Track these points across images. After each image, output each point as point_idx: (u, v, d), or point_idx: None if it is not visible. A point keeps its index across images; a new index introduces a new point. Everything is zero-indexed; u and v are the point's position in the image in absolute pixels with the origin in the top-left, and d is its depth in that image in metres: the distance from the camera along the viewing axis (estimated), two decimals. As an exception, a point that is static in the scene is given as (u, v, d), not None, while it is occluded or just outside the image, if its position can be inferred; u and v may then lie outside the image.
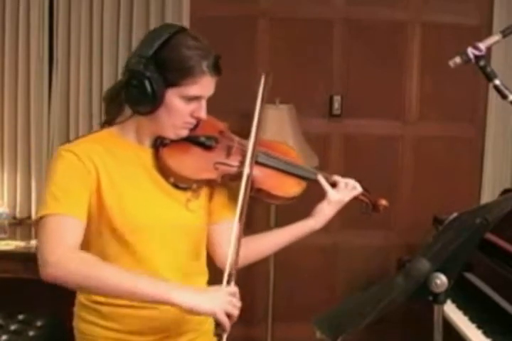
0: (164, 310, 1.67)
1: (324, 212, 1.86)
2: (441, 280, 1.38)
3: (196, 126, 1.72)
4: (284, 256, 3.62)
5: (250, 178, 1.72)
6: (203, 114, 1.67)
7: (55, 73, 3.58)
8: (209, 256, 1.85)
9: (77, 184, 1.60)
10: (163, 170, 1.70)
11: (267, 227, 3.39)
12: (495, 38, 1.58)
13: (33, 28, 3.53)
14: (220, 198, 1.81)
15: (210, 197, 1.80)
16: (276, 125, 3.31)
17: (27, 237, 3.36)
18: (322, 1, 3.69)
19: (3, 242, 3.24)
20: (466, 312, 2.60)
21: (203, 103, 1.67)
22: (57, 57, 3.57)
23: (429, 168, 3.77)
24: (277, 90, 3.67)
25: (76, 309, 1.77)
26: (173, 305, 1.50)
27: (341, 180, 1.88)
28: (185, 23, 3.51)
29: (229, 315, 1.52)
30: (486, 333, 2.40)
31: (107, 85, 3.53)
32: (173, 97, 1.62)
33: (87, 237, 1.66)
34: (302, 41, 3.68)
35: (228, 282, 1.60)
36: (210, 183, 1.75)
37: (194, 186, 1.73)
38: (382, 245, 3.80)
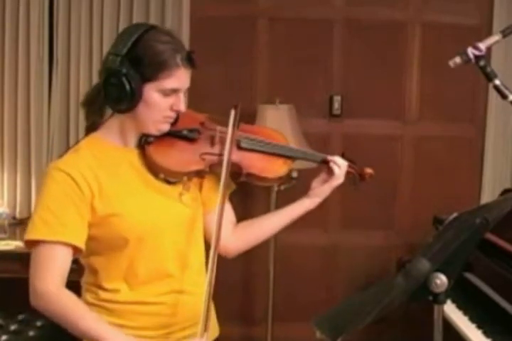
0: (172, 305, 1.70)
1: (325, 195, 1.89)
2: (441, 280, 1.38)
3: (176, 120, 1.75)
4: (284, 256, 3.63)
5: (226, 183, 1.74)
6: (182, 106, 1.69)
7: (55, 73, 3.58)
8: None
9: (70, 208, 1.62)
10: (152, 168, 1.72)
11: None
12: (495, 38, 1.58)
13: (33, 28, 3.53)
14: (212, 187, 1.83)
15: (200, 187, 1.83)
16: (276, 125, 3.31)
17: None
18: (322, 1, 3.69)
19: (3, 242, 3.24)
20: (466, 312, 2.60)
21: (181, 96, 1.68)
22: (57, 57, 3.58)
23: (429, 167, 3.77)
24: (277, 90, 3.71)
25: None
26: None
27: (334, 159, 1.87)
28: (185, 23, 3.52)
29: None
30: (486, 333, 2.40)
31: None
32: (151, 92, 1.64)
33: (90, 248, 1.69)
34: (302, 41, 3.68)
35: (205, 330, 1.63)
36: (199, 174, 1.79)
37: (184, 179, 1.76)
38: (383, 245, 3.80)
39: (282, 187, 3.39)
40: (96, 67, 3.55)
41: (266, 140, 1.86)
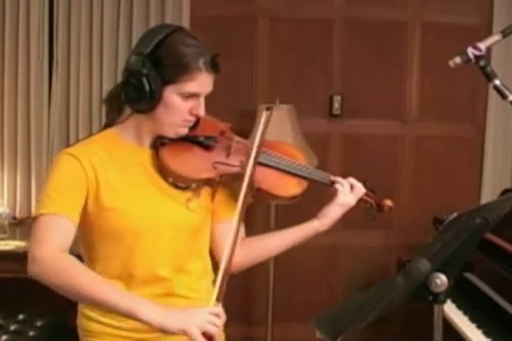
0: (166, 307, 1.68)
1: (334, 215, 1.83)
2: (441, 280, 1.38)
3: (196, 126, 1.73)
4: (284, 256, 3.61)
5: (249, 189, 1.69)
6: (201, 111, 1.67)
7: (55, 73, 3.58)
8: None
9: (73, 186, 1.62)
10: (162, 170, 1.70)
11: (267, 227, 3.39)
12: (495, 38, 1.58)
13: (33, 28, 3.53)
14: (222, 198, 1.80)
15: (213, 197, 1.80)
16: (276, 125, 3.31)
17: (27, 237, 3.34)
18: (322, 1, 3.69)
19: (3, 242, 3.24)
20: (466, 312, 2.60)
21: (202, 100, 1.67)
22: (57, 57, 3.58)
23: (429, 167, 3.78)
24: (277, 90, 3.71)
25: (79, 306, 1.78)
26: (140, 320, 1.48)
27: (345, 182, 1.84)
28: (185, 23, 3.52)
29: (207, 335, 1.47)
30: (486, 333, 2.40)
31: (107, 85, 3.54)
32: (171, 94, 1.63)
33: (85, 238, 1.69)
34: (302, 41, 3.68)
35: (217, 300, 1.56)
36: (208, 182, 1.75)
37: (193, 186, 1.73)
38: (382, 245, 3.80)
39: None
40: (96, 67, 3.55)
41: (283, 157, 1.82)
